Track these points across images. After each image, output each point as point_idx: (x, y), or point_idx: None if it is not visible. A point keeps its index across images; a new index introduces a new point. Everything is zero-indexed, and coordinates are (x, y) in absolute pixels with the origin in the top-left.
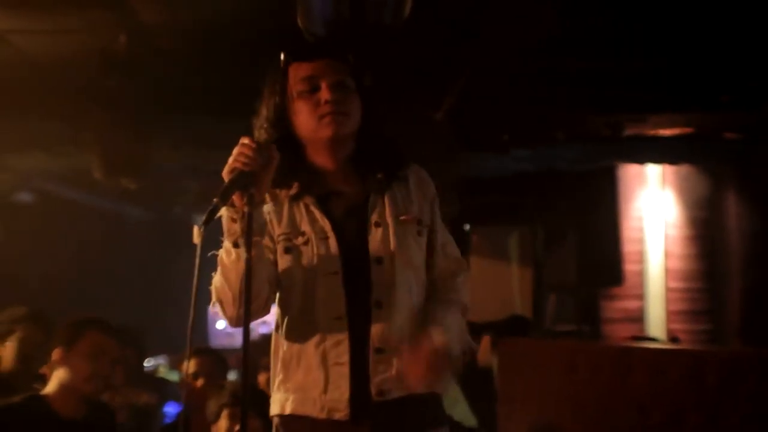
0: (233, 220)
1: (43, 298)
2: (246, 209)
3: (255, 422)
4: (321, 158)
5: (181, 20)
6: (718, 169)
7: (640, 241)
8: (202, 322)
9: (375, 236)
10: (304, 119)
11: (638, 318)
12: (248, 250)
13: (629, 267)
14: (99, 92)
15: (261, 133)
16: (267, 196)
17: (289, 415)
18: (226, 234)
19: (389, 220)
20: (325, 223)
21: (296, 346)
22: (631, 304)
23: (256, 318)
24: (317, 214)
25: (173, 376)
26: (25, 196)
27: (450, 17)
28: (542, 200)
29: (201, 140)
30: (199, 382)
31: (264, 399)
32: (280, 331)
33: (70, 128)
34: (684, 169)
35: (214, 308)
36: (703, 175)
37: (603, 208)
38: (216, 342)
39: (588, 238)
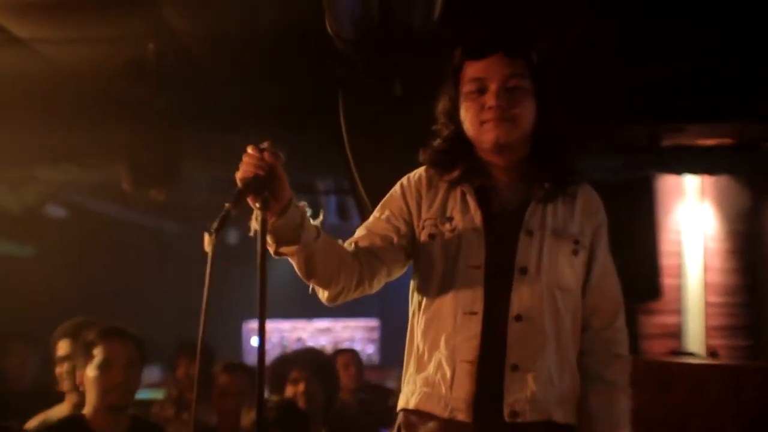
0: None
1: (80, 312)
2: (262, 214)
3: None
4: (488, 157)
5: (212, 30)
6: (758, 181)
7: (678, 254)
8: (236, 337)
9: (524, 243)
10: (469, 121)
11: (676, 333)
12: (262, 252)
13: (667, 281)
14: (128, 103)
15: (440, 126)
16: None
17: (414, 410)
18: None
19: (544, 231)
20: (477, 215)
21: (430, 338)
22: (668, 319)
23: (353, 295)
24: (472, 204)
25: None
26: (57, 211)
27: (482, 22)
28: None
29: (232, 153)
30: (231, 400)
31: (304, 419)
32: (414, 319)
33: (99, 140)
34: (723, 180)
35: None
36: (743, 186)
37: (640, 220)
38: (250, 359)
39: (625, 251)
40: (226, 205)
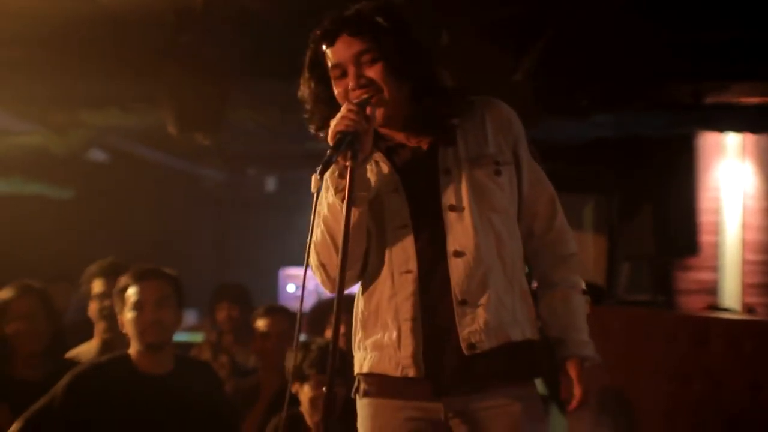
0: (341, 176)
1: (118, 256)
2: (349, 164)
3: (341, 390)
4: (380, 128)
5: None
6: None
7: (717, 211)
8: (273, 283)
9: (446, 183)
10: (342, 102)
11: (712, 290)
12: (349, 205)
13: (705, 238)
14: (176, 49)
15: (315, 111)
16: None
17: (368, 374)
18: (334, 191)
19: (461, 164)
20: (393, 176)
21: (373, 303)
22: (705, 276)
23: (354, 282)
24: (385, 167)
25: (196, 338)
26: (99, 155)
27: None
28: (619, 168)
29: (278, 102)
30: (271, 342)
31: (346, 362)
32: (358, 288)
33: (145, 85)
34: (765, 139)
35: (314, 272)
36: None
37: (680, 177)
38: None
39: (664, 208)
40: (329, 151)
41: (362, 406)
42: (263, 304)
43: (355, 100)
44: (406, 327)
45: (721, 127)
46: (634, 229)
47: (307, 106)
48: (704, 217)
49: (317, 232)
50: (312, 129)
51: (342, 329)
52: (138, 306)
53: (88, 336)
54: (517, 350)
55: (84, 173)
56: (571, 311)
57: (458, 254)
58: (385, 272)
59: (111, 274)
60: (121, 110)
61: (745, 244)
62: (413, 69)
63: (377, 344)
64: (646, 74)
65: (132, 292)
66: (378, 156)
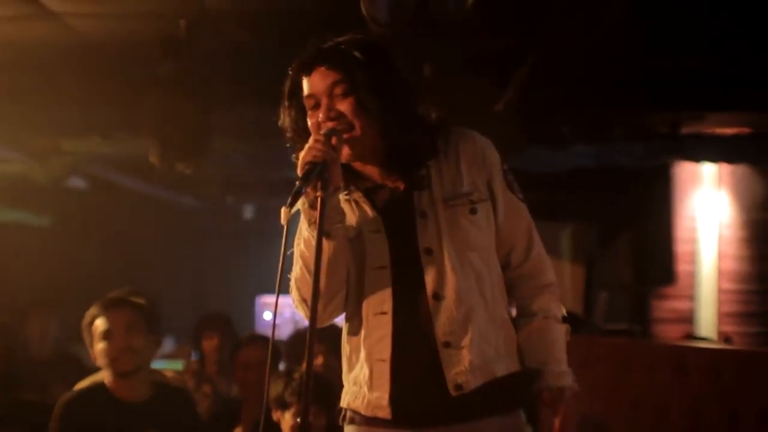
0: (312, 207)
1: (94, 284)
2: (320, 195)
3: (321, 419)
4: (356, 165)
5: (244, 6)
6: None
7: (693, 241)
8: (250, 310)
9: (422, 226)
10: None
11: (689, 319)
12: (320, 236)
13: (682, 267)
14: (158, 78)
15: (294, 143)
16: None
17: (347, 409)
18: (307, 223)
19: (436, 206)
20: (375, 216)
21: (354, 341)
22: (682, 305)
23: (337, 314)
24: (366, 207)
25: (177, 366)
26: (77, 182)
27: (514, 9)
28: (598, 197)
29: (261, 130)
30: (253, 371)
31: (329, 389)
32: (343, 326)
33: (127, 113)
34: (740, 169)
35: (296, 307)
36: (760, 175)
37: (658, 206)
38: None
39: (641, 237)
40: (297, 183)
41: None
42: (240, 331)
43: (322, 131)
44: (378, 368)
45: (698, 157)
46: (612, 257)
47: (288, 135)
48: (681, 247)
49: (296, 268)
50: (294, 158)
51: (321, 360)
52: (107, 335)
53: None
54: (501, 384)
55: (62, 201)
56: (550, 342)
57: (437, 297)
58: (361, 312)
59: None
60: (102, 138)
61: (721, 273)
62: (386, 106)
63: (355, 380)
64: (625, 104)
65: (100, 322)
66: (358, 196)
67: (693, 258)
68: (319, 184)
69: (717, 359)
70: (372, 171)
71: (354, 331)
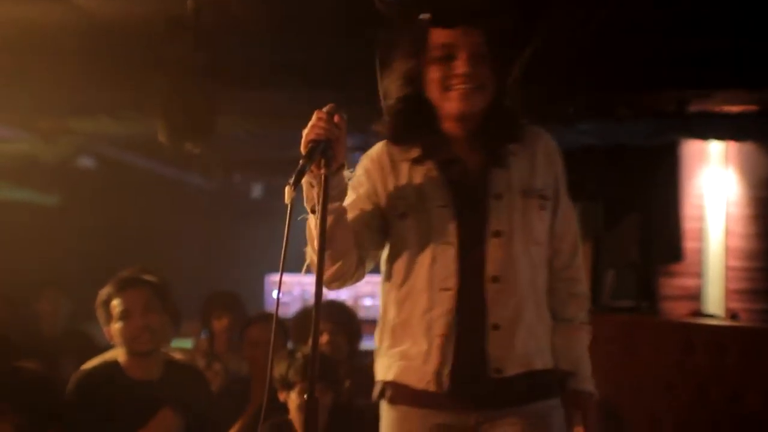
0: (311, 186)
1: (104, 263)
2: (323, 172)
3: (326, 397)
4: (448, 124)
5: None
6: None
7: (701, 218)
8: (258, 289)
9: (495, 209)
10: (435, 87)
11: (696, 296)
12: (323, 213)
13: (689, 244)
14: (166, 58)
15: (392, 87)
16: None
17: (392, 382)
18: (306, 201)
19: (512, 192)
20: (446, 192)
21: (405, 313)
22: (689, 282)
23: (350, 282)
24: (438, 181)
25: (185, 344)
26: (86, 161)
27: None
28: (604, 175)
29: (268, 110)
30: (262, 349)
31: (333, 367)
32: (388, 296)
33: (135, 93)
34: (747, 146)
35: (307, 273)
36: (767, 153)
37: (665, 184)
38: (272, 310)
39: (649, 215)
40: (301, 161)
41: (387, 411)
42: (250, 310)
43: (325, 109)
44: (437, 343)
45: (705, 135)
46: (619, 236)
47: (398, 80)
48: (688, 224)
49: (308, 250)
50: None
51: (326, 337)
52: (125, 315)
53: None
54: (537, 377)
55: (70, 180)
56: (582, 348)
57: (496, 279)
58: (421, 285)
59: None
60: (110, 118)
61: (728, 250)
62: (506, 78)
63: (404, 354)
64: (630, 83)
65: (117, 302)
66: (431, 165)
67: (700, 235)
68: (322, 162)
69: (723, 336)
70: (458, 138)
71: (406, 303)
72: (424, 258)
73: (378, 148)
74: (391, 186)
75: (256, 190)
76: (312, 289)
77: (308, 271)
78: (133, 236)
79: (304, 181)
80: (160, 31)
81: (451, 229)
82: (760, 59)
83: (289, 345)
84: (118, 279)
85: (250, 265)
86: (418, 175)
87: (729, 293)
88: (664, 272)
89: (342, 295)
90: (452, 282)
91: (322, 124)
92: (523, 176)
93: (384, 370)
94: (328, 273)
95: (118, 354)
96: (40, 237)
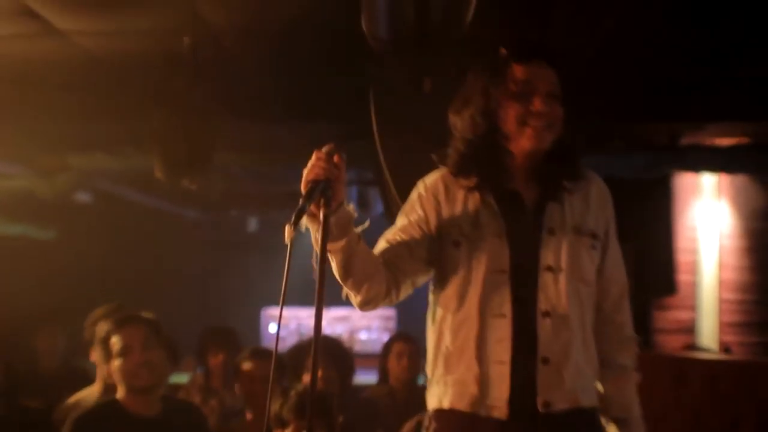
0: (315, 224)
1: (100, 296)
2: (324, 212)
3: None
4: (514, 158)
5: (246, 23)
6: None
7: (694, 251)
8: (255, 323)
9: (548, 244)
10: (511, 121)
11: (690, 329)
12: (323, 251)
13: (683, 277)
14: (163, 94)
15: (464, 120)
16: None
17: (449, 410)
18: (313, 241)
19: (565, 228)
20: (500, 222)
21: (459, 340)
22: (683, 315)
23: (384, 303)
24: (493, 209)
25: (182, 379)
26: (83, 196)
27: (512, 24)
28: None
29: (265, 144)
30: (257, 385)
31: (327, 403)
32: (442, 323)
33: (132, 129)
34: (740, 179)
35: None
36: (760, 185)
37: (658, 217)
38: (269, 345)
39: (642, 248)
40: (301, 201)
41: None
42: (247, 344)
43: (324, 149)
44: (495, 369)
45: (697, 168)
46: None
47: (475, 114)
48: (682, 257)
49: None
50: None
51: (320, 372)
52: (124, 351)
53: (80, 380)
54: (584, 414)
55: (67, 214)
56: (633, 394)
57: (547, 314)
58: (474, 311)
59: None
60: (107, 154)
61: (721, 283)
62: (568, 116)
63: (459, 381)
64: (623, 116)
65: (116, 339)
66: (487, 195)
67: (694, 268)
68: (322, 201)
69: (716, 370)
70: (518, 170)
71: (461, 331)
72: (478, 286)
73: (435, 176)
74: (446, 215)
75: (252, 224)
76: (308, 323)
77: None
78: (130, 270)
79: (307, 223)
80: (157, 68)
81: (504, 259)
82: (752, 91)
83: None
84: (116, 316)
85: (246, 299)
86: (474, 204)
87: (723, 326)
88: (658, 305)
89: (338, 329)
90: (507, 309)
91: (321, 164)
92: (576, 214)
93: (438, 397)
94: (356, 299)
95: (117, 391)
96: (37, 271)
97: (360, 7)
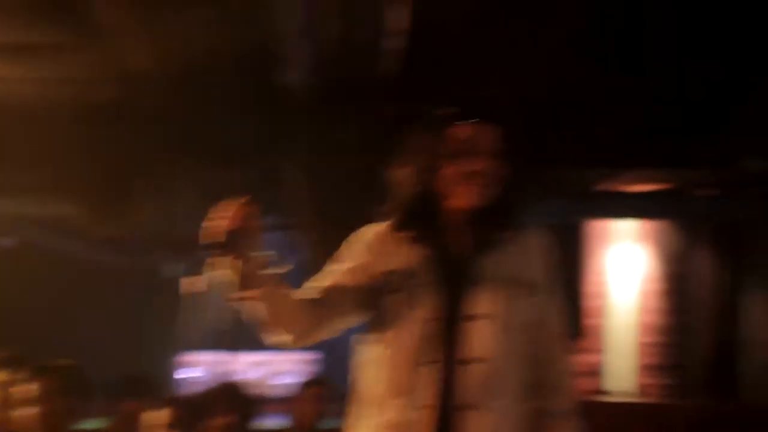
0: (229, 275)
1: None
2: (237, 263)
3: None
4: (451, 213)
5: (170, 72)
6: (692, 225)
7: (604, 295)
8: (168, 370)
9: (481, 293)
10: (450, 179)
11: (597, 372)
12: (237, 298)
13: (591, 321)
14: (86, 140)
15: (406, 178)
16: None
17: None
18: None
19: (499, 280)
20: (434, 272)
21: (389, 385)
22: (591, 358)
23: (310, 341)
24: (429, 261)
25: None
26: (6, 242)
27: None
28: None
29: (186, 190)
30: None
31: None
32: (371, 368)
33: (56, 176)
34: (658, 224)
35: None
36: (678, 230)
37: (570, 262)
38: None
39: None
40: (200, 254)
41: None
42: (161, 390)
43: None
44: (422, 414)
45: (613, 214)
46: None
47: (413, 174)
48: (591, 302)
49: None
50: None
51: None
52: (28, 401)
53: None
54: None
55: None
56: None
57: (472, 361)
58: (404, 358)
59: (11, 366)
60: (35, 200)
61: (639, 326)
62: (509, 176)
63: (389, 425)
64: (540, 163)
65: (22, 388)
66: (426, 247)
67: (604, 312)
68: (233, 253)
69: (626, 412)
70: (457, 225)
71: (395, 376)
72: (409, 333)
73: (373, 227)
74: (383, 264)
75: (166, 270)
76: (222, 368)
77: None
78: (46, 315)
79: (221, 273)
80: (82, 114)
81: (437, 307)
82: (666, 139)
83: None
84: (25, 367)
85: (160, 345)
86: (410, 255)
87: (642, 368)
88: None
89: (257, 373)
90: (436, 356)
91: (231, 215)
92: (513, 265)
93: None
94: (278, 340)
95: None
96: None
97: (282, 55)
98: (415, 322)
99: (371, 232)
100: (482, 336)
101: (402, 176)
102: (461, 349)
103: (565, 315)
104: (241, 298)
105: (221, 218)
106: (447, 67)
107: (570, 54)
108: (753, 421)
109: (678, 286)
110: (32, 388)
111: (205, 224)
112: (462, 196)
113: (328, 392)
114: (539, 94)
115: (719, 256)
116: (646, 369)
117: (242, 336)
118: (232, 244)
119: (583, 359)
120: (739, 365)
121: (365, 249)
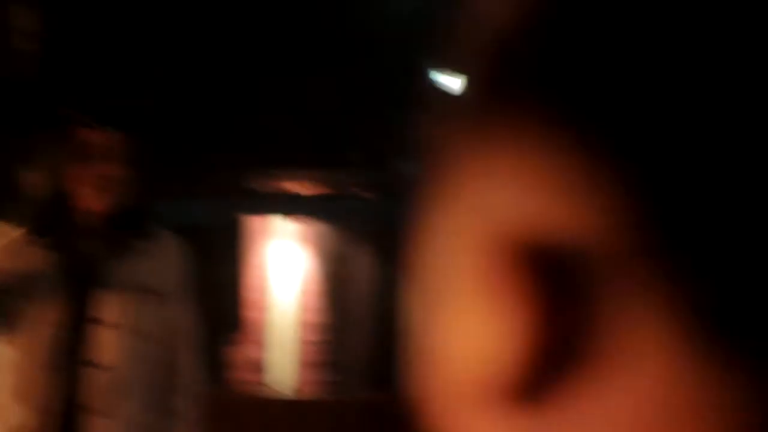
0: None
1: None
2: None
3: None
4: (81, 217)
5: None
6: (351, 225)
7: (266, 290)
8: None
9: (108, 301)
10: (75, 183)
11: (260, 367)
12: None
13: (253, 315)
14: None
15: (38, 181)
16: None
17: None
18: None
19: (127, 287)
20: (62, 278)
21: (13, 391)
22: (253, 353)
23: None
24: (59, 265)
25: None
26: None
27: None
28: None
29: None
30: None
31: None
32: (8, 373)
33: None
34: (318, 224)
35: None
36: (337, 230)
37: (226, 260)
38: None
39: (209, 288)
40: None
41: None
42: None
43: None
44: (47, 420)
45: (269, 213)
46: None
47: (45, 178)
48: (253, 294)
49: None
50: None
51: None
52: None
53: None
54: None
55: None
56: None
57: (101, 366)
58: (28, 363)
59: None
60: None
61: (299, 324)
62: (137, 177)
63: (21, 427)
64: (193, 162)
65: None
66: (55, 254)
67: (265, 306)
68: None
69: (281, 408)
70: (88, 230)
71: (19, 381)
72: (37, 338)
73: (10, 230)
74: (14, 268)
75: None
76: None
77: None
78: None
79: None
80: None
81: (64, 311)
82: (323, 143)
83: None
84: None
85: None
86: (44, 259)
87: (303, 365)
88: (226, 341)
89: None
90: (61, 361)
91: None
92: (144, 271)
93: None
94: None
95: None
96: None
97: None
98: (43, 326)
99: (3, 235)
100: (108, 343)
101: (33, 180)
102: (88, 355)
103: (198, 321)
104: None
105: None
106: (88, 73)
107: (224, 56)
108: (409, 412)
109: (337, 285)
110: None
111: None
112: (91, 200)
113: None
114: (194, 98)
115: (377, 257)
116: (307, 366)
117: None
118: None
119: (245, 353)
120: (395, 362)
121: None
